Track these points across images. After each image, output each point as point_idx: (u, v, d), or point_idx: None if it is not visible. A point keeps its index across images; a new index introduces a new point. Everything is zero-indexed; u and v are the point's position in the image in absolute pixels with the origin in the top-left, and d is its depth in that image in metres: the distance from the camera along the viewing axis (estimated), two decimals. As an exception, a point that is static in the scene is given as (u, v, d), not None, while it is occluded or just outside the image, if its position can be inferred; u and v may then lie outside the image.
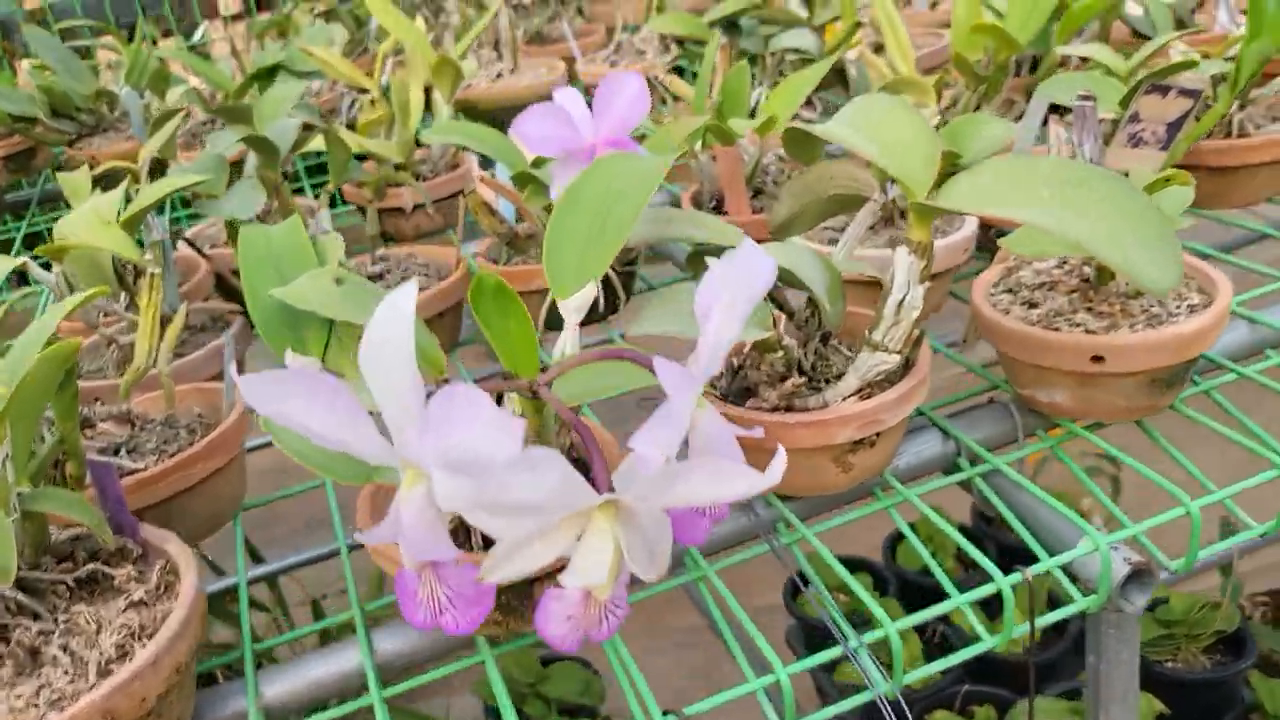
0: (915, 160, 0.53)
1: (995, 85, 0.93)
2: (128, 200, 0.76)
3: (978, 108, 0.95)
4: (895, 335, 0.55)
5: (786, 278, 0.58)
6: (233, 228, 0.77)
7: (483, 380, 0.42)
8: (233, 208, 0.73)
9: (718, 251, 0.62)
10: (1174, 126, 0.74)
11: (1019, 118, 0.95)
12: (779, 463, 0.36)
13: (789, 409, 0.58)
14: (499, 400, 0.49)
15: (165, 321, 0.72)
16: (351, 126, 1.59)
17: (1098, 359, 0.59)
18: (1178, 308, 0.61)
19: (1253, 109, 0.83)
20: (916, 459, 0.65)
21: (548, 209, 0.79)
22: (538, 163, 0.78)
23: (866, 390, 0.58)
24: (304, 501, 0.79)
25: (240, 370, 0.41)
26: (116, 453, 0.67)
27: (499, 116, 1.38)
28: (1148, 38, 1.09)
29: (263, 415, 0.34)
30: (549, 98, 1.53)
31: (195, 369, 0.79)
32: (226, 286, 0.93)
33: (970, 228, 0.76)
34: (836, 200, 0.69)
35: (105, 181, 0.84)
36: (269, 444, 0.88)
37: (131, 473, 0.64)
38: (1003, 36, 0.88)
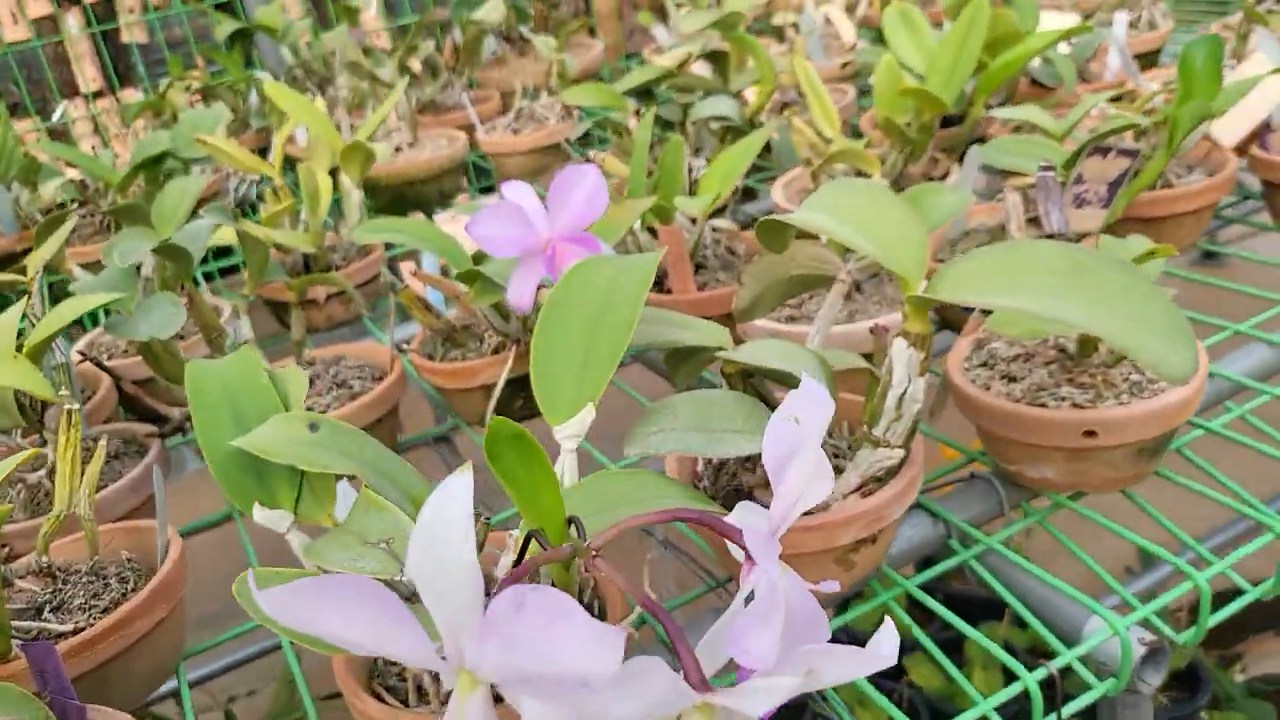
0: (907, 251, 0.52)
1: (921, 146, 0.93)
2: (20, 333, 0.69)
3: (904, 167, 0.95)
4: (897, 430, 0.53)
5: (778, 376, 0.55)
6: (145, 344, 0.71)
7: (522, 559, 0.38)
8: (150, 327, 0.66)
9: (689, 353, 0.59)
10: (1114, 185, 0.75)
11: (944, 176, 0.96)
12: (888, 635, 0.32)
13: (789, 512, 0.55)
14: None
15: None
16: (241, 210, 1.51)
17: (1090, 433, 0.58)
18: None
19: (1174, 161, 0.86)
20: (908, 544, 0.63)
21: (496, 307, 0.75)
22: (479, 257, 0.74)
23: (866, 486, 0.56)
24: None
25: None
26: (40, 613, 0.60)
27: (402, 192, 1.33)
28: (1048, 88, 1.12)
29: (282, 625, 0.29)
30: (453, 171, 1.48)
31: (114, 504, 0.72)
32: (134, 403, 0.85)
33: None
34: (799, 281, 0.68)
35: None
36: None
37: (62, 636, 0.57)
38: (929, 99, 0.88)
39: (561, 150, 1.34)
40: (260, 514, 0.46)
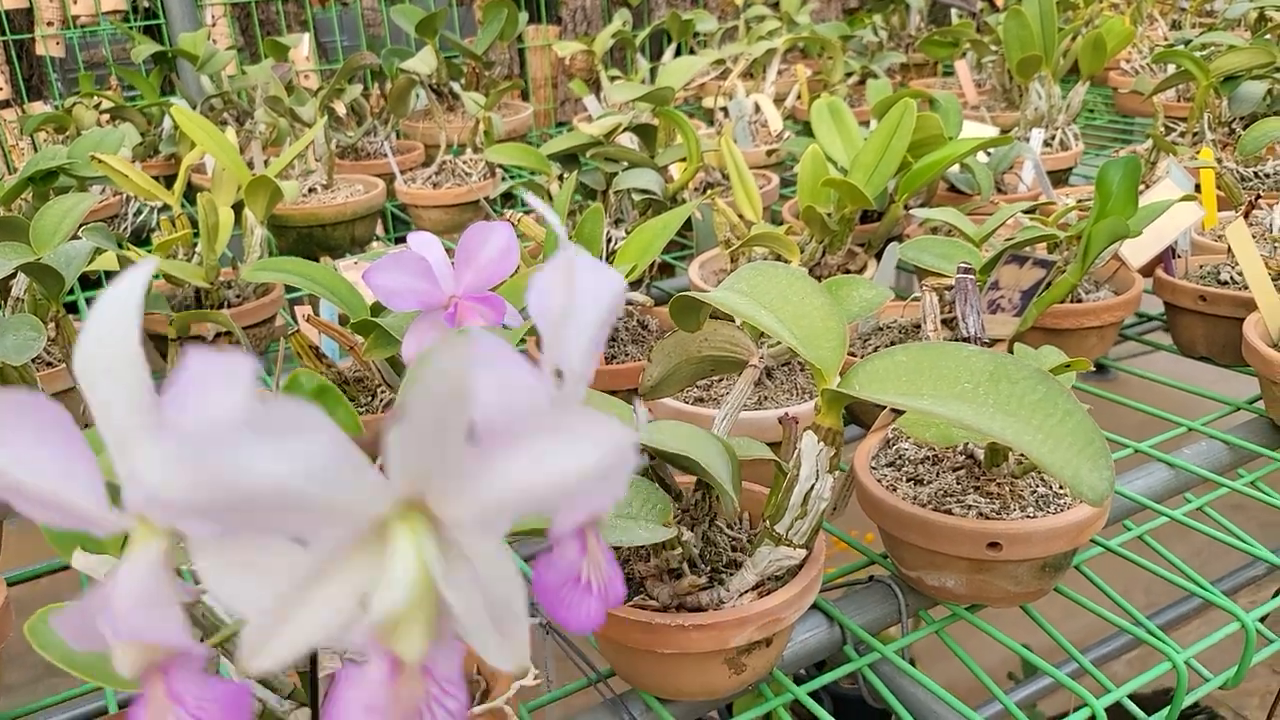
0: (826, 343, 0.50)
1: (841, 237, 0.93)
2: None
3: (823, 257, 0.95)
4: (801, 529, 0.51)
5: (678, 461, 0.52)
6: None
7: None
8: (5, 350, 0.60)
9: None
10: (1028, 294, 0.75)
11: (861, 269, 0.96)
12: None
13: (680, 606, 0.52)
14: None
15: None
16: (137, 238, 1.44)
17: (994, 545, 0.57)
18: (1061, 488, 0.60)
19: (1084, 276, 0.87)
20: (803, 648, 0.60)
21: (391, 361, 0.71)
22: (376, 309, 0.70)
23: (763, 585, 0.53)
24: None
25: None
26: None
27: (312, 233, 1.28)
28: (965, 194, 1.14)
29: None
30: (368, 217, 1.43)
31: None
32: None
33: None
34: (710, 361, 0.65)
35: None
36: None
37: None
38: (852, 191, 0.88)
39: (480, 208, 1.31)
40: (81, 560, 0.41)
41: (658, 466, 0.55)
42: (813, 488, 0.50)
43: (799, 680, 0.60)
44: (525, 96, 2.16)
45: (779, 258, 0.94)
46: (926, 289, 0.68)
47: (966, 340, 0.62)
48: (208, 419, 0.23)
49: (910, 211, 0.92)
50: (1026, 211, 0.90)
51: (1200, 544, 0.73)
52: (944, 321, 0.71)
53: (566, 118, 2.24)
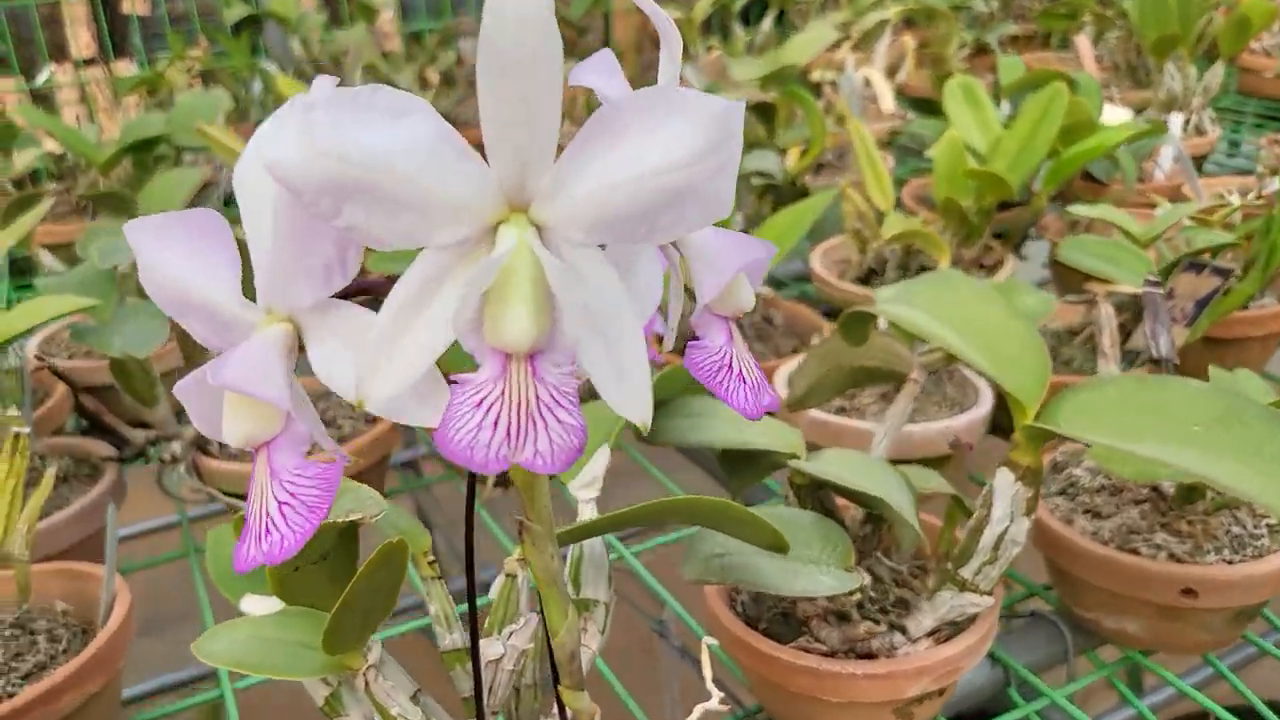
0: (1025, 370, 0.45)
1: (979, 230, 0.87)
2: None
3: (957, 250, 0.89)
4: (990, 575, 0.46)
5: (865, 501, 0.48)
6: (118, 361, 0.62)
7: None
8: (125, 342, 0.58)
9: (752, 456, 0.52)
10: (1201, 303, 0.69)
11: (997, 264, 0.90)
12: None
13: (849, 650, 0.48)
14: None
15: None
16: (230, 204, 1.42)
17: (1189, 592, 0.51)
18: (1256, 526, 0.55)
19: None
20: (965, 689, 0.56)
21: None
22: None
23: (939, 631, 0.48)
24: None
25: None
26: (-51, 671, 0.51)
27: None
28: (1100, 182, 1.07)
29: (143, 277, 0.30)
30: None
31: (55, 535, 0.63)
32: (91, 413, 0.76)
33: (986, 404, 0.68)
34: (862, 372, 0.60)
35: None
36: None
37: (-28, 706, 0.48)
38: (995, 182, 0.82)
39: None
40: (249, 604, 0.38)
41: (824, 496, 0.50)
42: (1006, 531, 0.45)
43: (957, 723, 0.56)
44: (611, 62, 2.10)
45: (910, 251, 0.88)
46: (1102, 299, 0.63)
47: (1156, 363, 0.57)
48: (325, 97, 0.25)
49: (1066, 208, 0.85)
50: (1197, 216, 0.83)
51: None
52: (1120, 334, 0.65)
53: (652, 83, 2.18)
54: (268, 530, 0.29)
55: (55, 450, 0.69)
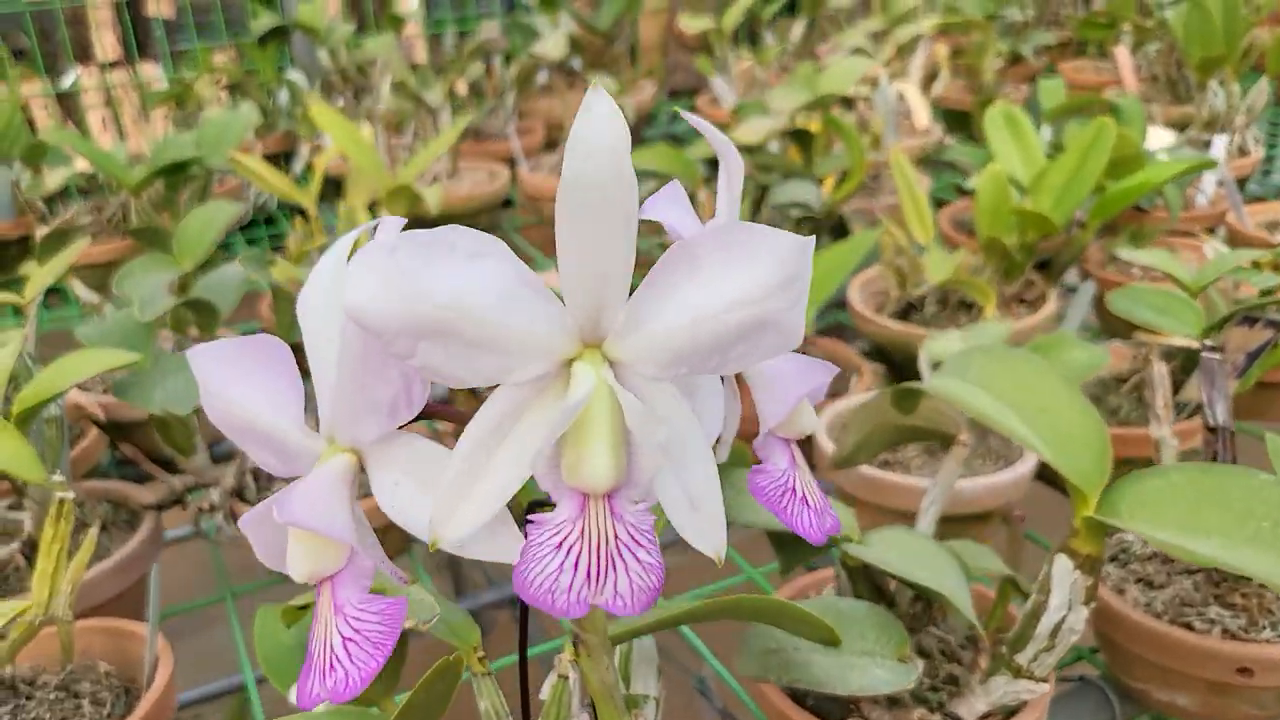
0: (1085, 453, 0.43)
1: (1020, 267, 0.85)
2: (12, 378, 0.60)
3: (998, 286, 0.87)
4: (1046, 662, 0.45)
5: (923, 591, 0.47)
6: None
7: None
8: (167, 397, 0.57)
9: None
10: (1252, 356, 0.67)
11: (1039, 299, 0.88)
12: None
13: (898, 733, 0.47)
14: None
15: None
16: (256, 218, 1.42)
17: (1244, 670, 0.50)
18: (1314, 600, 0.53)
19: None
20: (1010, 760, 0.55)
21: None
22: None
23: (990, 714, 0.47)
24: None
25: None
26: (-5, 737, 0.51)
27: (438, 225, 1.24)
28: (1143, 210, 1.05)
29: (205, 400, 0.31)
30: (491, 208, 1.39)
31: (96, 587, 0.63)
32: (126, 452, 0.76)
33: (1032, 458, 0.67)
34: (910, 431, 0.60)
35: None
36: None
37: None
38: (1039, 221, 0.81)
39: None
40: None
41: (874, 573, 0.49)
42: (1064, 620, 0.44)
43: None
44: (633, 62, 2.08)
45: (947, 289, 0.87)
46: (1154, 357, 0.61)
47: (1212, 431, 0.55)
48: (402, 238, 0.25)
49: (1107, 239, 0.84)
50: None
51: None
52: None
53: (676, 87, 2.17)
54: (331, 666, 0.28)
55: (94, 495, 0.69)
